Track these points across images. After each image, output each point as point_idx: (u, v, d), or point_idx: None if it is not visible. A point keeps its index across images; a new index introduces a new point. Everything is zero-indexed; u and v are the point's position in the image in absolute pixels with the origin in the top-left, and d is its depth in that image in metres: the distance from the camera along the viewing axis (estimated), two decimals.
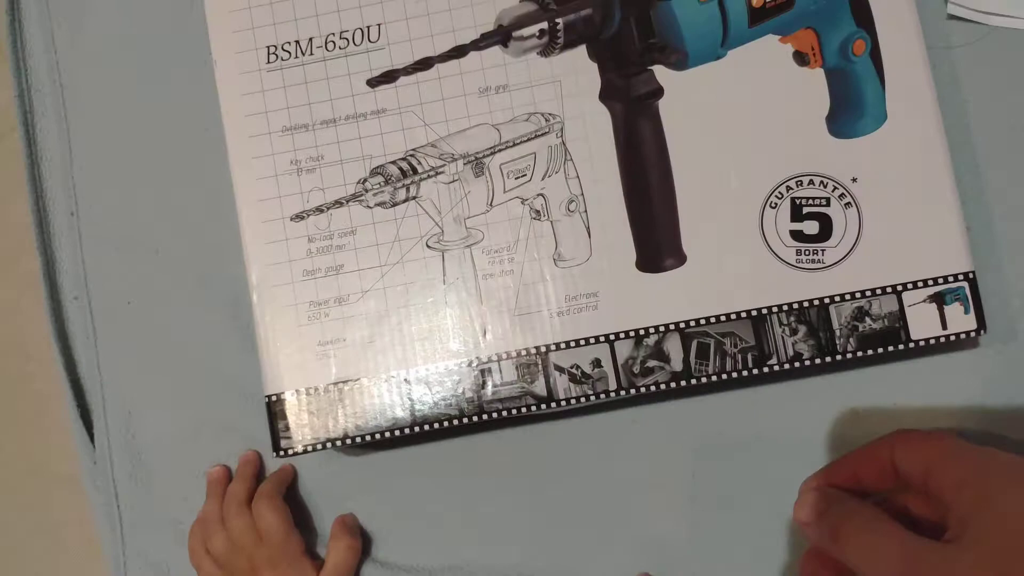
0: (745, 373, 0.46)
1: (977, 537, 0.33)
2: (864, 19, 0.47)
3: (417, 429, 0.47)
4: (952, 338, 0.46)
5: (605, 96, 0.48)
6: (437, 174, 0.48)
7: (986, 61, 0.51)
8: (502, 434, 0.52)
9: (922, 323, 0.46)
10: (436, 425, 0.47)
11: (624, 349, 0.47)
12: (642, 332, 0.47)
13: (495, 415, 0.47)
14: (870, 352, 0.46)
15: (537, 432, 0.51)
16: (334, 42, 0.49)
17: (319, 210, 0.48)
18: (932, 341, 0.46)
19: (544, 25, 0.46)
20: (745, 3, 0.47)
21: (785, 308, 0.46)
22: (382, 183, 0.48)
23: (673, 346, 0.47)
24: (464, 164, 0.48)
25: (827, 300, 0.46)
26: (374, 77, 0.48)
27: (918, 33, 0.47)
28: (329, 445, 0.48)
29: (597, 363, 0.47)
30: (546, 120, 0.48)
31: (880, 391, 0.49)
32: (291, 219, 0.49)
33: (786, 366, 0.46)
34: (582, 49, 0.48)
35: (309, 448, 0.48)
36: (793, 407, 0.50)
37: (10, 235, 0.58)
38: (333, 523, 0.51)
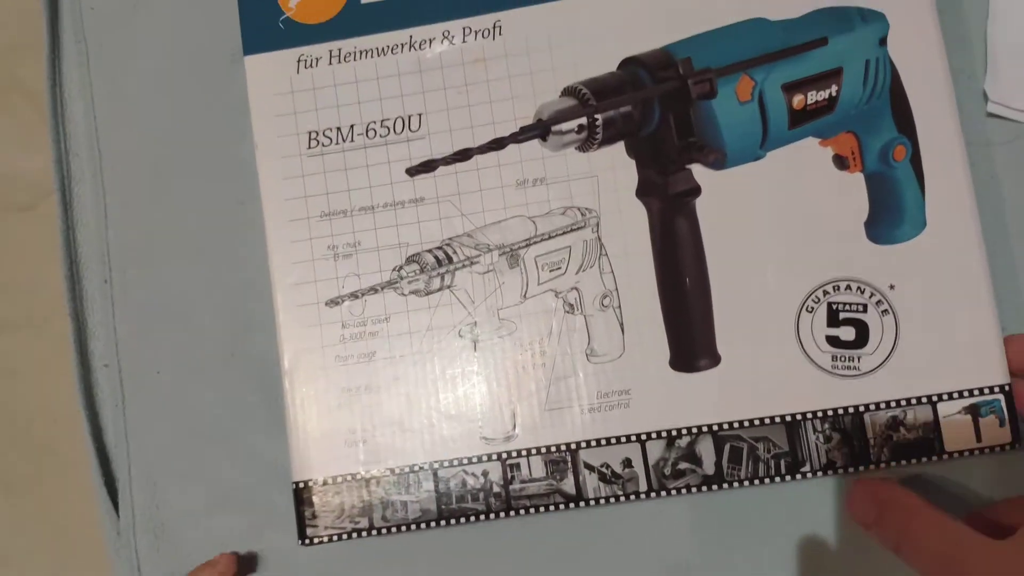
0: (778, 480, 0.46)
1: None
2: (906, 125, 0.47)
3: (443, 523, 0.47)
4: (986, 451, 0.45)
5: (642, 193, 0.48)
6: (472, 264, 0.48)
7: None
8: (527, 520, 0.51)
9: (956, 435, 0.46)
10: (463, 520, 0.47)
11: (656, 450, 0.47)
12: (674, 433, 0.46)
13: (522, 512, 0.46)
14: (903, 462, 0.45)
15: (562, 520, 0.51)
16: (375, 130, 0.50)
17: (354, 296, 0.49)
18: (966, 453, 0.45)
19: (583, 121, 0.47)
20: (786, 105, 0.47)
21: (820, 415, 0.46)
22: (417, 271, 0.48)
23: (706, 449, 0.46)
24: (499, 255, 0.48)
25: (862, 408, 0.46)
26: (413, 166, 0.48)
27: (959, 139, 0.47)
28: (355, 535, 0.47)
29: (628, 463, 0.47)
30: (582, 214, 0.48)
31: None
32: (326, 304, 0.49)
33: (819, 474, 0.46)
34: (620, 145, 0.48)
35: (335, 537, 0.47)
36: (822, 502, 0.49)
37: (42, 299, 0.58)
38: None
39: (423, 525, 0.47)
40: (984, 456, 0.47)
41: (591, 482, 0.47)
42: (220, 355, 0.55)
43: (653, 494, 0.46)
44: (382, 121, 0.50)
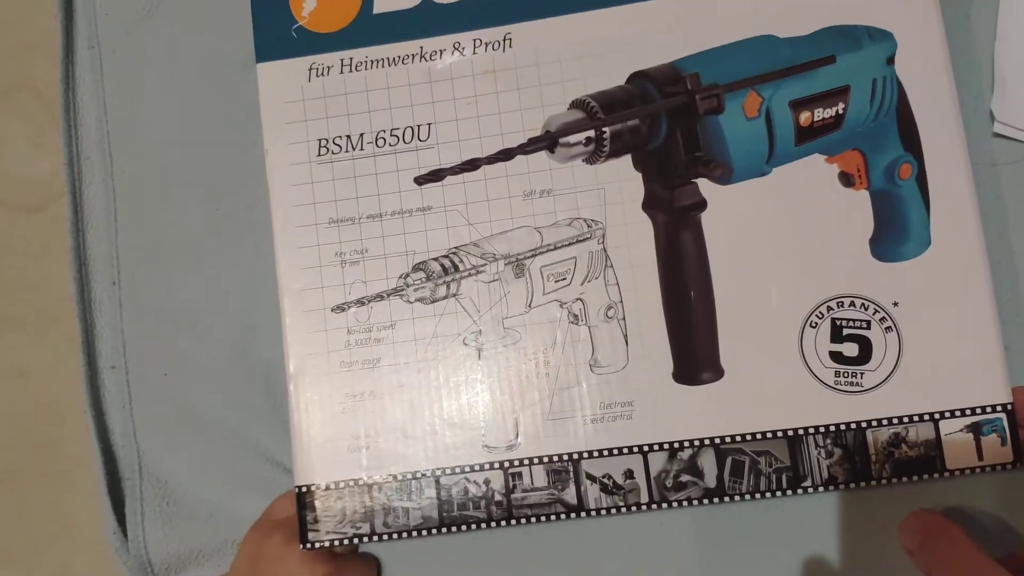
0: (779, 494, 0.46)
1: None
2: (912, 143, 0.48)
3: (444, 531, 0.47)
4: (988, 469, 0.45)
5: (648, 206, 0.48)
6: (478, 273, 0.48)
7: None
8: (529, 529, 0.52)
9: (958, 453, 0.46)
10: (464, 528, 0.47)
11: (658, 461, 0.47)
12: (676, 445, 0.47)
13: (524, 520, 0.47)
14: (904, 479, 0.45)
15: (564, 529, 0.51)
16: (384, 139, 0.50)
17: (360, 303, 0.49)
18: (967, 471, 0.45)
19: (591, 133, 0.47)
20: (793, 122, 0.47)
21: (822, 430, 0.46)
22: (424, 279, 0.48)
23: (707, 462, 0.46)
24: (505, 265, 0.48)
25: (864, 424, 0.46)
26: (422, 175, 0.49)
27: (965, 158, 0.47)
28: (356, 540, 0.47)
29: (629, 474, 0.47)
30: (588, 226, 0.49)
31: (912, 508, 0.49)
32: (332, 310, 0.49)
33: (820, 489, 0.46)
34: (627, 158, 0.48)
35: (336, 542, 0.48)
36: (824, 517, 0.49)
37: (51, 300, 0.59)
38: None
39: (424, 532, 0.47)
40: (985, 475, 0.47)
41: (593, 492, 0.47)
42: (227, 358, 0.56)
43: (655, 506, 0.47)
44: (391, 130, 0.50)
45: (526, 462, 0.47)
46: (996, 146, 0.52)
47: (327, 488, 0.48)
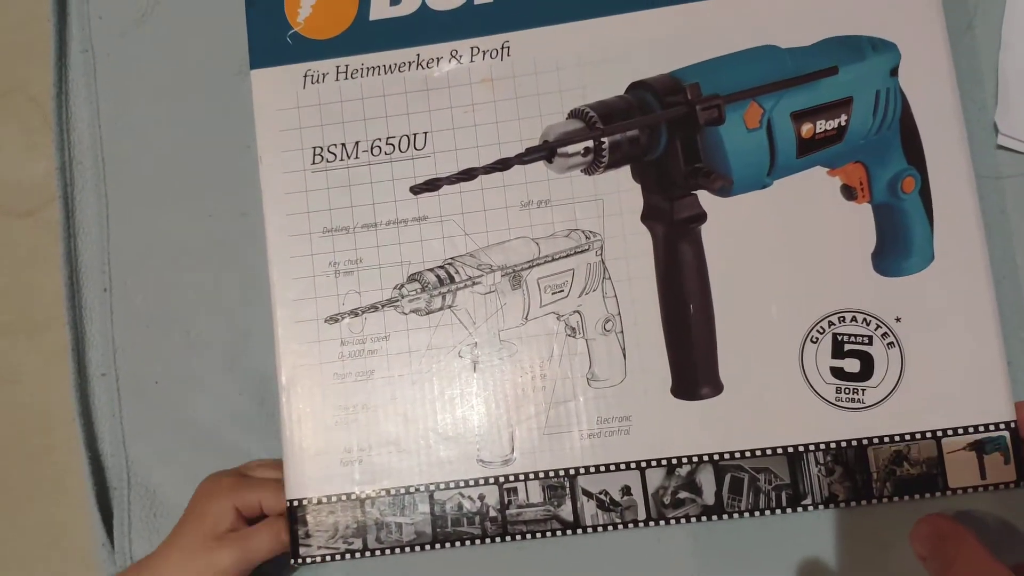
0: (779, 512, 0.45)
1: None
2: (915, 156, 0.47)
3: (438, 546, 0.46)
4: (991, 488, 0.45)
5: (647, 217, 0.47)
6: (474, 284, 0.48)
7: None
8: (524, 545, 0.51)
9: (960, 471, 0.45)
10: (458, 544, 0.46)
11: (655, 478, 0.46)
12: (674, 461, 0.46)
13: (519, 537, 0.46)
14: (906, 498, 0.45)
15: (560, 544, 0.50)
16: (380, 147, 0.49)
17: (354, 313, 0.48)
18: (970, 490, 0.45)
19: (589, 143, 0.46)
20: (794, 133, 0.46)
21: (822, 447, 0.45)
22: (419, 290, 0.48)
23: (706, 478, 0.46)
24: (502, 276, 0.48)
25: (865, 441, 0.45)
26: (418, 184, 0.48)
27: (969, 172, 0.47)
28: (348, 556, 0.47)
29: (627, 490, 0.46)
30: (586, 237, 0.48)
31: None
32: (325, 321, 0.48)
33: (820, 507, 0.45)
34: (626, 169, 0.48)
35: (328, 557, 0.47)
36: (824, 535, 0.49)
37: (41, 305, 0.58)
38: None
39: (418, 548, 0.47)
40: (988, 493, 0.46)
41: (589, 509, 0.46)
42: (219, 367, 0.55)
43: (652, 523, 0.46)
44: (387, 138, 0.50)
45: (521, 477, 0.47)
46: (1000, 159, 0.51)
47: (319, 502, 0.47)
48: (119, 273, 0.57)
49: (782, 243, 0.47)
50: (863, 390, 0.46)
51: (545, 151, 0.46)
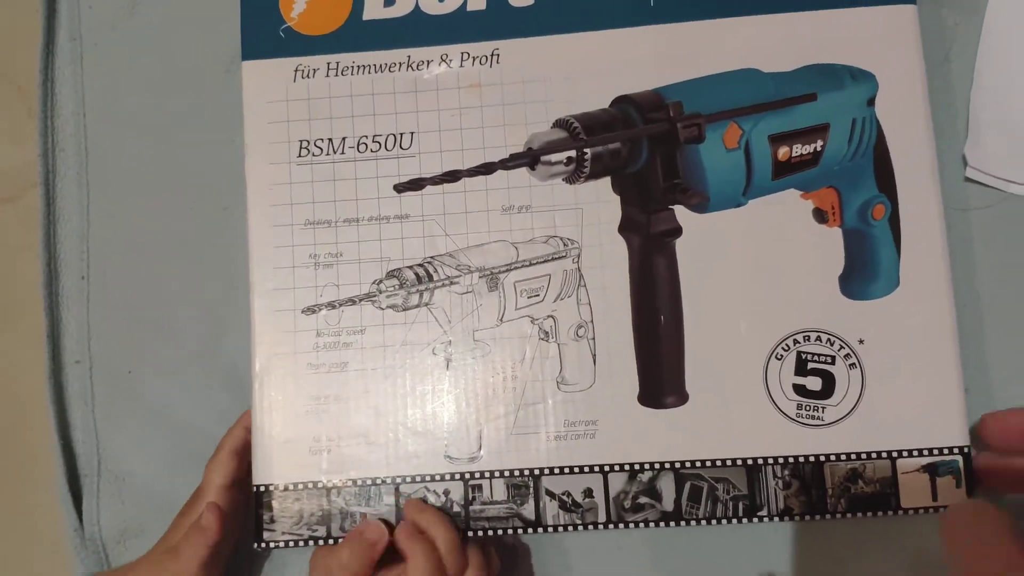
0: (735, 521, 0.46)
1: None
2: (887, 185, 0.48)
3: None
4: (942, 509, 0.46)
5: (624, 229, 0.48)
6: (452, 284, 0.49)
7: (1000, 225, 0.52)
8: (487, 539, 0.52)
9: (913, 492, 0.46)
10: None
11: (617, 482, 0.47)
12: (637, 467, 0.47)
13: (480, 533, 0.47)
14: (859, 515, 0.46)
15: (522, 541, 0.51)
16: (366, 144, 0.50)
17: (331, 306, 0.49)
18: (920, 511, 0.46)
19: (572, 153, 0.47)
20: (771, 156, 0.48)
21: (781, 461, 0.47)
22: (397, 286, 0.48)
23: (666, 485, 0.47)
24: (480, 277, 0.49)
25: (823, 458, 0.47)
26: (402, 183, 0.49)
27: (938, 203, 0.48)
28: (312, 543, 0.47)
29: (589, 493, 0.47)
30: (564, 244, 0.49)
31: (867, 543, 0.49)
32: (303, 311, 0.49)
33: (776, 519, 0.46)
34: (606, 181, 0.49)
35: (291, 543, 0.47)
36: (779, 546, 0.50)
37: (17, 291, 0.58)
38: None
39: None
40: (939, 514, 0.47)
41: (551, 509, 0.47)
42: (194, 356, 0.56)
43: (612, 526, 0.47)
44: (374, 136, 0.51)
45: (487, 475, 0.47)
46: (968, 191, 0.53)
47: (285, 489, 0.48)
48: (98, 262, 0.57)
49: (753, 261, 0.48)
50: (823, 408, 0.47)
51: (529, 158, 0.47)
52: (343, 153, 0.50)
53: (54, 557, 0.56)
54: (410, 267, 0.49)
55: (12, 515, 0.57)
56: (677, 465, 0.47)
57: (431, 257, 0.49)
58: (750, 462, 0.47)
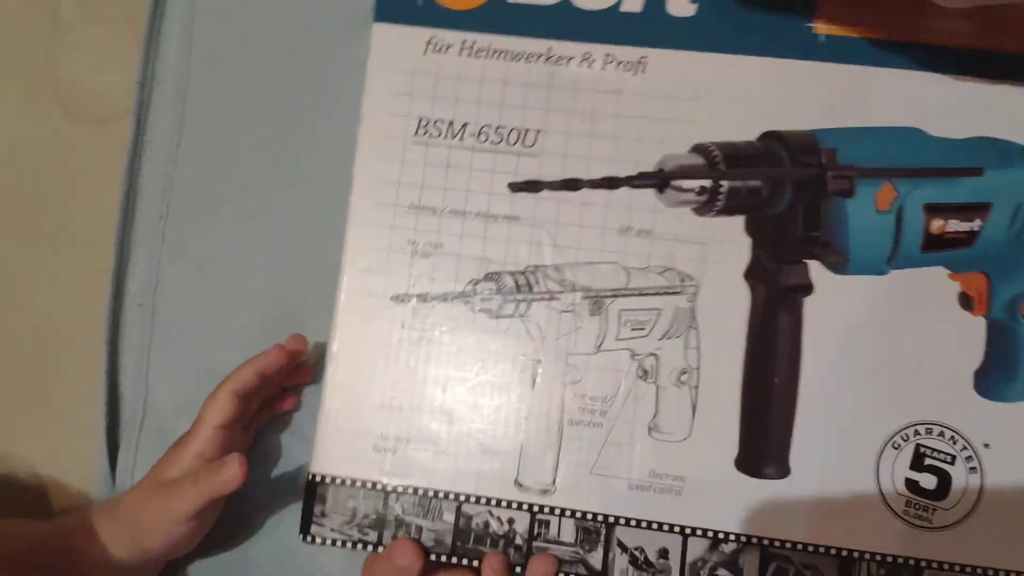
0: None
1: None
2: None
3: (455, 560, 0.44)
4: None
5: (751, 275, 0.45)
6: (552, 299, 0.45)
7: None
8: None
9: None
10: (474, 563, 0.43)
11: (697, 548, 0.43)
12: (721, 536, 0.43)
13: None
14: None
15: None
16: (488, 134, 0.47)
17: (423, 298, 0.46)
18: None
19: (707, 183, 0.44)
20: (924, 226, 0.44)
21: (879, 558, 0.43)
22: (494, 290, 0.45)
23: (750, 561, 0.43)
24: (583, 298, 0.45)
25: (923, 563, 0.43)
26: (518, 183, 0.45)
27: None
28: (360, 547, 0.44)
29: (664, 553, 0.43)
30: (681, 280, 0.45)
31: None
32: (391, 298, 0.46)
33: None
34: (739, 219, 0.45)
35: (338, 542, 0.44)
36: None
37: (91, 221, 0.55)
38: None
39: (433, 556, 0.44)
40: None
41: (620, 563, 0.44)
42: (263, 324, 0.52)
43: None
44: (497, 127, 0.47)
45: (557, 512, 0.44)
46: None
47: (342, 483, 0.45)
48: (179, 203, 0.53)
49: (885, 336, 0.44)
50: (934, 509, 0.43)
51: (659, 179, 0.44)
52: (462, 139, 0.47)
53: (78, 500, 0.53)
54: (511, 273, 0.45)
55: (42, 449, 0.54)
56: (765, 542, 0.43)
57: (535, 266, 0.46)
58: (845, 553, 0.43)
